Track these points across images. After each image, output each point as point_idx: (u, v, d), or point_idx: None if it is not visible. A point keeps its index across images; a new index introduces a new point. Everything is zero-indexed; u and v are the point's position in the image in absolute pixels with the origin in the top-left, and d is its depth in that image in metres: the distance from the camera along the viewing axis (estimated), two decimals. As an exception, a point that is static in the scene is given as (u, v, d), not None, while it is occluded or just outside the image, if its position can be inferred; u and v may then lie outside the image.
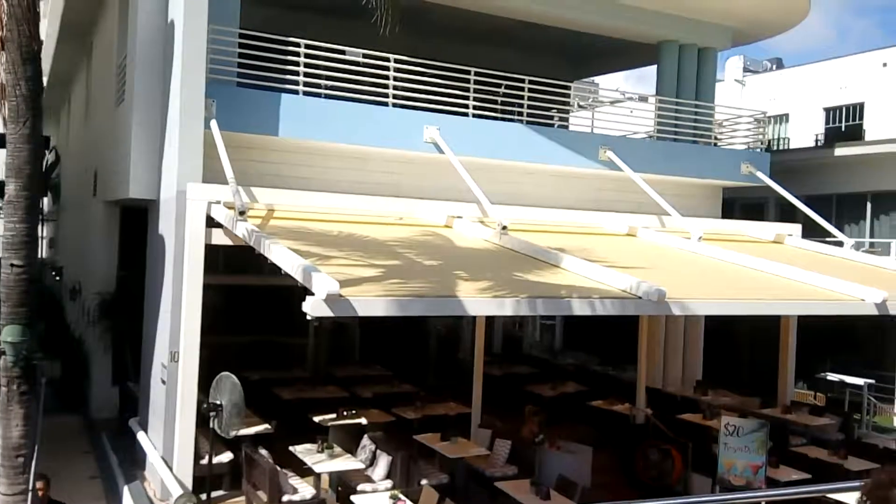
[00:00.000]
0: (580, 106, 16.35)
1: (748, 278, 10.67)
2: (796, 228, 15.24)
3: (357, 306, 6.54)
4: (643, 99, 16.49)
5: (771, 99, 38.75)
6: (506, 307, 7.37)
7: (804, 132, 35.23)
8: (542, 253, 9.88)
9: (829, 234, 18.46)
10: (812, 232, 19.17)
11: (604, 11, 15.42)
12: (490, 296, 7.47)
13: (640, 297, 8.16)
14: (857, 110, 32.95)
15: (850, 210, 18.28)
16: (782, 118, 37.94)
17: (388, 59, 12.47)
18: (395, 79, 12.63)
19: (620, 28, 16.06)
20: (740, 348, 18.15)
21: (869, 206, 17.83)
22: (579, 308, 7.87)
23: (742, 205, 21.32)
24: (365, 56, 12.30)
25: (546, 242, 11.11)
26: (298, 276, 6.91)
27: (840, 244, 14.19)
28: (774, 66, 40.54)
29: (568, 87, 14.37)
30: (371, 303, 6.67)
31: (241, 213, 9.03)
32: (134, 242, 13.59)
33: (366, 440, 10.88)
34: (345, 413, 12.47)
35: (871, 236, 17.65)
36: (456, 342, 18.10)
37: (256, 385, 13.16)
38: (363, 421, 12.15)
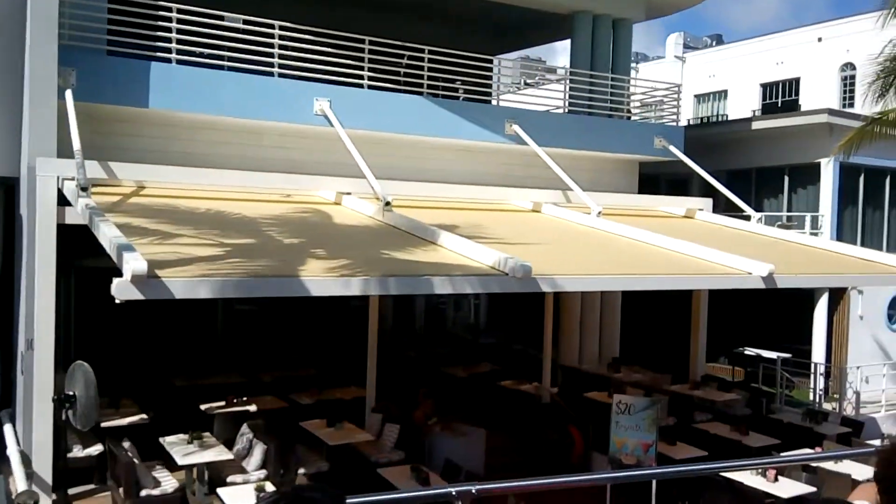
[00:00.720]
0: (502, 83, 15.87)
1: (639, 253, 10.35)
2: (707, 203, 15.04)
3: (173, 288, 5.99)
4: (551, 71, 16.03)
5: (710, 75, 38.84)
6: (352, 286, 6.87)
7: (742, 108, 35.27)
8: (422, 230, 9.40)
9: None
10: (732, 206, 19.11)
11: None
12: (337, 275, 6.97)
13: (506, 274, 7.74)
14: (793, 85, 33.10)
15: (770, 184, 18.19)
16: (721, 94, 38.06)
17: (272, 27, 11.80)
18: (283, 48, 11.98)
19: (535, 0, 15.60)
20: (662, 324, 17.97)
21: (786, 179, 17.74)
22: (439, 286, 7.42)
23: (667, 180, 21.15)
24: (245, 23, 11.61)
25: (440, 219, 10.66)
26: (113, 255, 6.32)
27: (748, 218, 13.99)
28: (714, 43, 40.57)
29: (479, 60, 13.82)
30: (191, 284, 6.12)
31: (84, 188, 8.38)
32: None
33: (244, 429, 10.37)
34: (234, 401, 11.94)
35: (789, 209, 17.58)
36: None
37: (146, 373, 12.54)
38: (252, 408, 11.63)
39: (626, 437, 10.34)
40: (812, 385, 15.77)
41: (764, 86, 35.38)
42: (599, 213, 12.07)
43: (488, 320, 20.98)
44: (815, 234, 16.71)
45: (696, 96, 39.32)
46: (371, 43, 12.60)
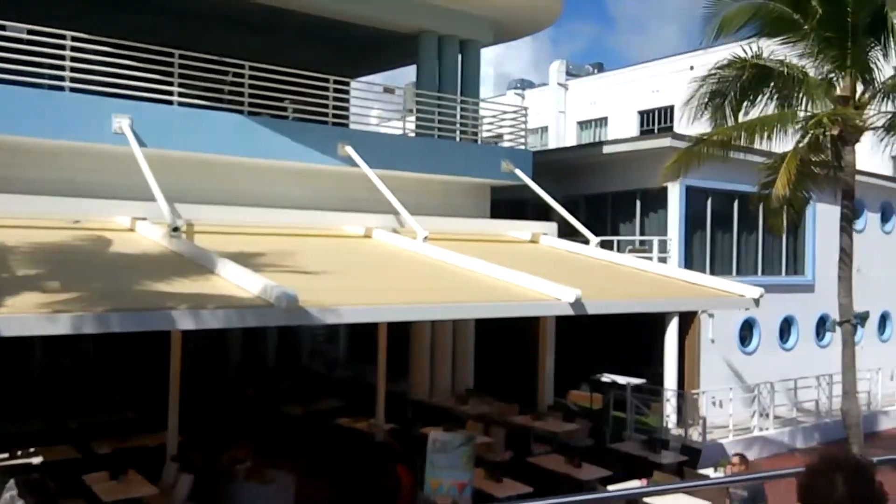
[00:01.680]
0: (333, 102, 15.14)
1: (454, 279, 9.78)
2: (551, 227, 14.75)
3: None
4: (390, 91, 15.53)
5: (592, 103, 39.61)
6: (60, 324, 5.92)
7: (622, 135, 36.00)
8: (204, 258, 8.51)
9: (604, 232, 18.41)
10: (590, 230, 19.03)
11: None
12: (49, 311, 6.00)
13: (272, 305, 6.96)
14: (667, 113, 33.98)
15: (624, 208, 18.20)
16: (602, 121, 38.83)
17: (63, 37, 10.74)
18: (78, 60, 10.92)
19: (377, 17, 15.11)
20: (519, 352, 17.57)
21: (638, 203, 17.77)
22: (180, 321, 6.56)
23: (533, 205, 20.99)
24: (30, 32, 10.51)
25: (242, 246, 9.81)
26: None
27: (588, 242, 13.75)
28: (596, 70, 41.46)
29: (310, 78, 13.09)
30: None
31: None
32: None
33: (10, 485, 9.08)
34: (19, 452, 10.60)
35: (642, 233, 17.58)
36: (215, 359, 16.47)
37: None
38: (36, 460, 10.32)
39: (441, 478, 9.66)
40: (661, 411, 15.60)
41: (641, 113, 36.26)
42: (425, 238, 11.49)
43: (349, 351, 20.11)
44: (664, 258, 16.73)
45: (578, 123, 40.02)
46: (182, 56, 11.70)
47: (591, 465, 11.59)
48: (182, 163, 11.67)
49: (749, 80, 11.14)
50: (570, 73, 40.30)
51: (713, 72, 11.29)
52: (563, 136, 39.14)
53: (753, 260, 18.55)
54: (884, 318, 21.40)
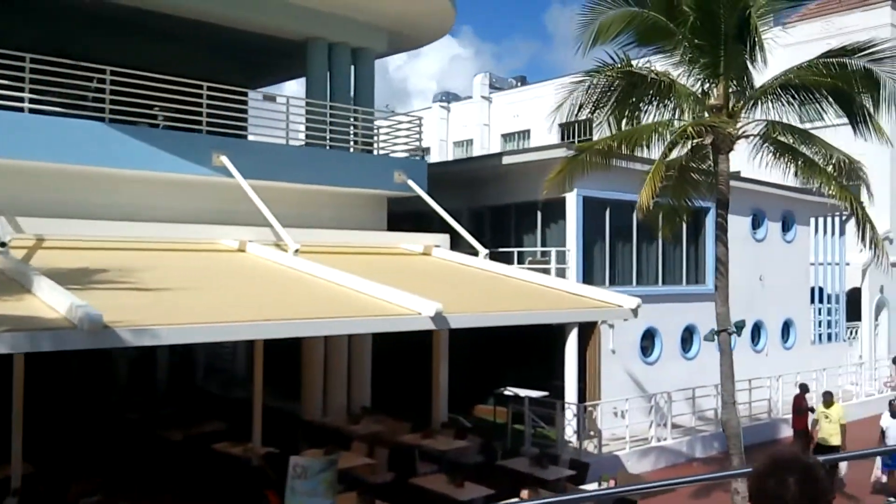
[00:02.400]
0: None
1: (312, 293, 9.29)
2: (444, 239, 14.40)
3: None
4: (271, 99, 15.01)
5: (515, 115, 39.72)
6: None
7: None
8: (22, 276, 7.81)
9: (507, 243, 18.21)
10: (489, 242, 18.79)
11: (240, 4, 13.84)
12: None
13: (75, 326, 6.34)
14: (588, 124, 34.14)
15: (526, 219, 18.02)
16: (525, 133, 38.94)
17: None
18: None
19: (264, 24, 14.57)
20: (419, 367, 17.17)
21: (539, 214, 17.61)
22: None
23: (439, 217, 20.65)
24: None
25: (87, 262, 9.12)
26: None
27: (477, 254, 13.44)
28: (519, 84, 41.65)
29: (184, 85, 12.45)
30: None
31: None
32: None
33: None
34: None
35: (543, 244, 17.40)
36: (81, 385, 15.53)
37: None
38: None
39: (301, 505, 9.10)
40: (558, 424, 15.35)
41: (562, 126, 36.38)
42: (296, 251, 10.97)
43: (248, 370, 19.32)
44: (562, 270, 16.58)
45: (502, 135, 40.09)
46: (34, 61, 10.94)
47: (476, 484, 11.20)
48: (33, 173, 10.89)
49: (623, 88, 11.01)
50: (494, 87, 40.39)
51: (581, 79, 11.11)
52: (488, 148, 39.08)
53: (654, 269, 18.59)
54: (787, 326, 21.75)
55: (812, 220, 22.89)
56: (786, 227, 21.81)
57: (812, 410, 16.11)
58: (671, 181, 12.32)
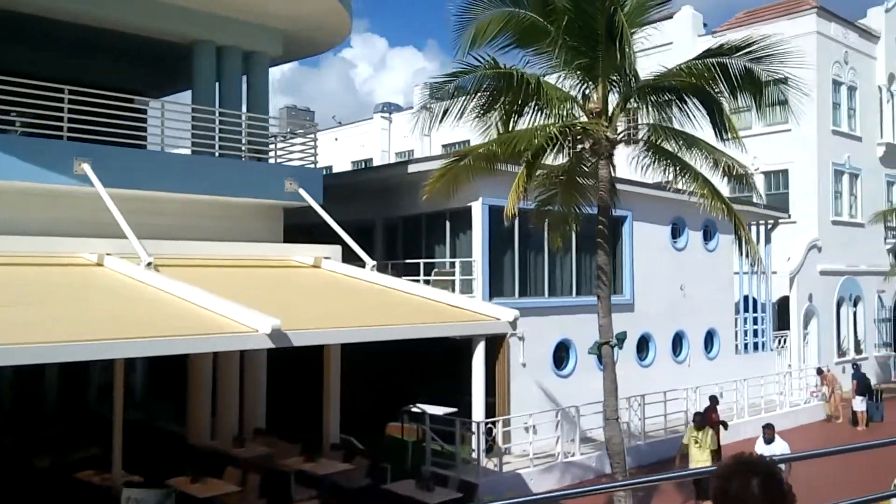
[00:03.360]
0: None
1: (146, 310, 8.58)
2: (335, 251, 13.75)
3: None
4: (144, 104, 14.26)
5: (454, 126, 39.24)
6: None
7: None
8: None
9: (418, 254, 17.64)
10: (400, 253, 18.30)
11: (115, 4, 13.13)
12: None
13: None
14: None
15: (436, 229, 17.47)
16: (465, 144, 38.45)
17: None
18: None
19: (146, 26, 13.85)
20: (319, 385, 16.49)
21: (448, 224, 17.09)
22: None
23: (354, 228, 20.03)
24: None
25: None
26: None
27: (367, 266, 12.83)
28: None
29: (45, 89, 11.67)
30: None
31: None
32: None
33: None
34: None
35: (452, 255, 16.86)
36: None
37: None
38: None
39: (132, 542, 8.35)
40: (457, 442, 14.75)
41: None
42: (149, 264, 10.24)
43: (147, 390, 18.44)
44: (468, 281, 16.06)
45: (443, 146, 39.60)
46: None
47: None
48: None
49: (494, 91, 10.52)
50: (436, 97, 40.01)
51: (445, 81, 10.58)
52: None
53: (569, 280, 18.16)
54: (710, 336, 21.49)
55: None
56: (708, 236, 21.59)
57: (724, 425, 15.75)
58: (559, 187, 11.86)
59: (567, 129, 10.36)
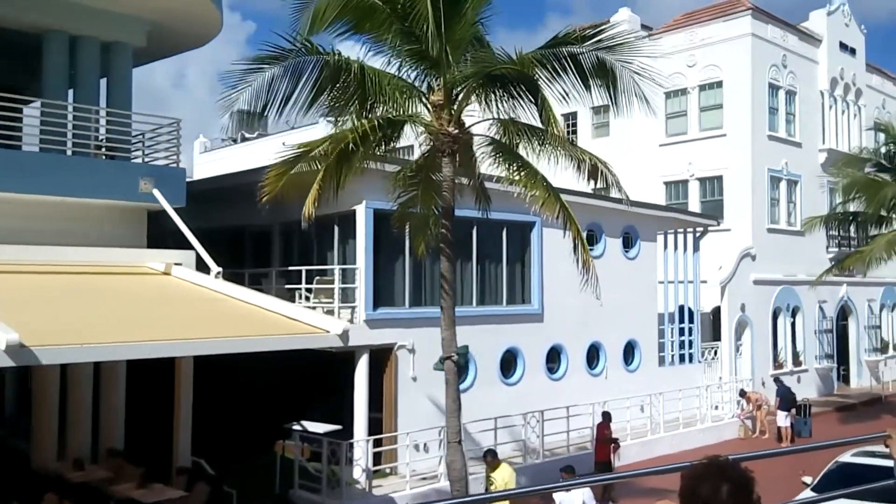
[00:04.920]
0: None
1: None
2: (187, 256, 12.71)
3: None
4: None
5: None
6: None
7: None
8: None
9: (307, 261, 16.61)
10: (279, 260, 17.31)
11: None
12: None
13: None
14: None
15: (325, 234, 16.45)
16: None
17: None
18: None
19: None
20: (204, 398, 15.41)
21: (336, 229, 16.07)
22: None
23: (251, 233, 19.03)
24: None
25: None
26: None
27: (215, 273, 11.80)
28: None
29: None
30: None
31: None
32: None
33: None
34: None
35: (342, 261, 15.82)
36: None
37: None
38: None
39: None
40: (324, 461, 13.70)
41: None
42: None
43: (18, 406, 17.25)
44: (352, 290, 15.06)
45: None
46: None
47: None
48: None
49: (318, 79, 9.52)
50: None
51: (258, 67, 9.54)
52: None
53: (470, 289, 17.19)
54: (631, 347, 20.59)
55: (661, 236, 21.89)
56: (628, 244, 20.72)
57: (615, 442, 14.85)
58: (418, 187, 10.90)
59: (379, 124, 9.38)
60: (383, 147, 10.45)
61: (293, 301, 15.45)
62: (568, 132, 30.78)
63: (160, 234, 14.49)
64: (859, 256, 20.92)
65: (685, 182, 26.86)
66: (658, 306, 21.56)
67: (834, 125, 29.24)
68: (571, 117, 29.99)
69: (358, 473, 14.19)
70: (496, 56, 9.17)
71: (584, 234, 19.37)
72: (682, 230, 22.46)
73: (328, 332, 9.47)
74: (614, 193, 11.02)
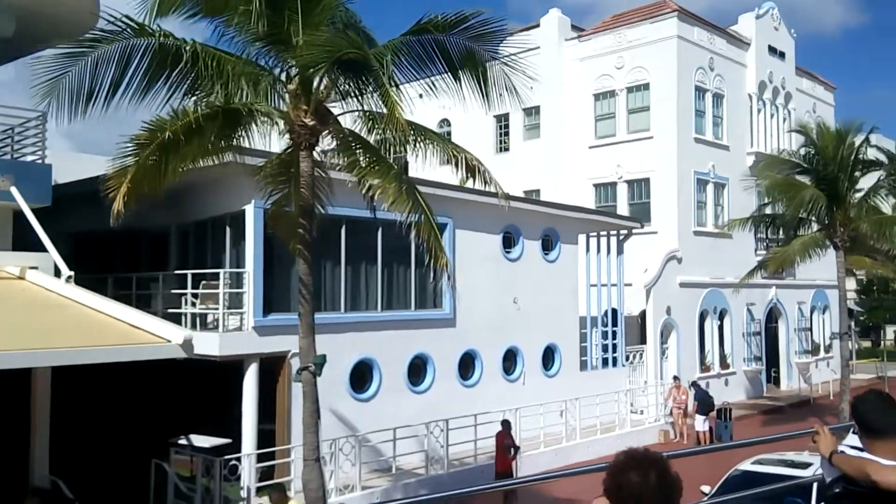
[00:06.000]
0: None
1: None
2: (44, 259, 11.74)
3: None
4: None
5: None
6: None
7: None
8: None
9: (202, 265, 15.73)
10: (175, 262, 16.42)
11: None
12: None
13: None
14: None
15: (219, 236, 15.60)
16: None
17: None
18: None
19: None
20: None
21: (228, 230, 15.24)
22: None
23: (148, 235, 18.03)
24: None
25: None
26: None
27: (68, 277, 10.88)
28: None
29: None
30: None
31: None
32: None
33: None
34: None
35: (236, 264, 14.96)
36: None
37: None
38: None
39: None
40: (198, 478, 12.86)
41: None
42: None
43: None
44: (240, 295, 14.24)
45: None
46: None
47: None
48: None
49: (151, 64, 8.70)
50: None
51: (79, 51, 8.64)
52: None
53: (375, 293, 16.47)
54: (550, 351, 20.08)
55: (583, 239, 21.47)
56: (548, 246, 20.24)
57: (515, 450, 14.28)
58: (287, 184, 10.15)
59: (212, 113, 8.60)
60: (233, 139, 9.66)
61: (180, 307, 14.61)
62: (501, 134, 30.35)
63: (33, 237, 13.50)
64: (774, 259, 20.75)
65: (614, 184, 26.58)
66: (581, 310, 21.13)
67: (763, 128, 29.29)
68: (504, 119, 29.58)
69: (248, 490, 13.38)
70: (351, 41, 8.47)
71: (501, 237, 19.09)
72: (605, 233, 22.10)
73: (169, 341, 8.66)
74: (492, 188, 10.35)
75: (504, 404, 16.95)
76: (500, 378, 18.73)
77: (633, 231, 22.49)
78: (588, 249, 21.60)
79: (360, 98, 9.12)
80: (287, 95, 9.35)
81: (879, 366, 26.69)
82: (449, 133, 31.60)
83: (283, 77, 9.45)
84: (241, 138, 10.40)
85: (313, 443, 9.73)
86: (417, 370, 17.09)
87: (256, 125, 9.49)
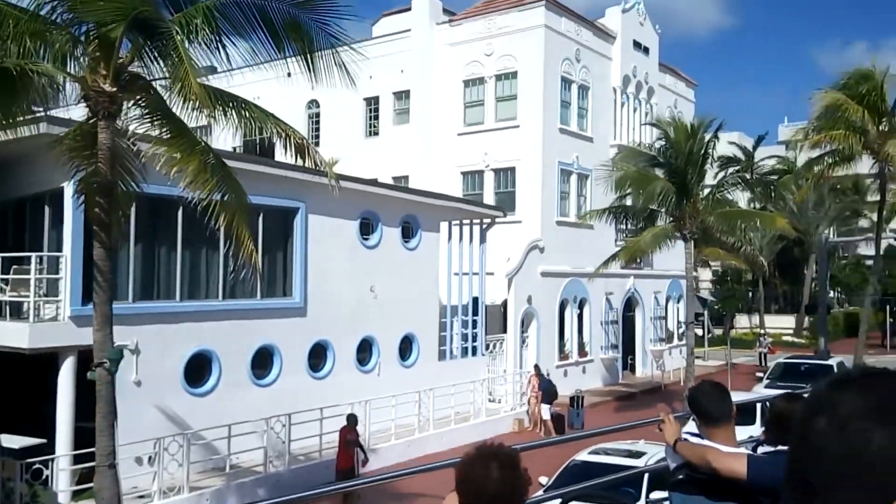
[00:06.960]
0: None
1: None
2: None
3: None
4: None
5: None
6: None
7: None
8: None
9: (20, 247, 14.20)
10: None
11: None
12: None
13: None
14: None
15: (39, 215, 14.12)
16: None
17: None
18: None
19: None
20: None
21: (47, 210, 13.79)
22: None
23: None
24: None
25: None
26: None
27: None
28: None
29: None
30: None
31: None
32: None
33: None
34: None
35: (58, 248, 13.55)
36: None
37: None
38: None
39: None
40: (14, 483, 11.63)
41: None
42: None
43: None
44: (55, 281, 12.91)
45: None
46: None
47: None
48: None
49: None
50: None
51: None
52: None
53: (216, 280, 15.44)
54: (408, 341, 19.71)
55: (445, 227, 21.19)
56: (408, 234, 19.80)
57: (361, 447, 13.80)
58: (96, 157, 9.05)
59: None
60: (24, 107, 8.52)
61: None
62: (370, 117, 29.61)
63: None
64: (627, 249, 21.29)
65: (481, 172, 26.51)
66: (442, 298, 20.88)
67: (626, 122, 30.09)
68: (374, 102, 28.88)
69: (62, 495, 12.18)
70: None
71: (358, 223, 18.45)
72: (468, 221, 21.92)
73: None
74: (326, 170, 9.69)
75: (357, 396, 16.41)
76: (355, 369, 18.17)
77: (497, 220, 22.44)
78: (450, 238, 21.35)
79: (162, 64, 8.20)
80: (87, 59, 8.29)
81: (726, 353, 28.08)
82: (318, 115, 30.58)
83: (83, 39, 8.36)
84: (44, 106, 9.23)
85: (108, 447, 8.79)
86: (264, 362, 16.23)
87: (48, 90, 8.36)
